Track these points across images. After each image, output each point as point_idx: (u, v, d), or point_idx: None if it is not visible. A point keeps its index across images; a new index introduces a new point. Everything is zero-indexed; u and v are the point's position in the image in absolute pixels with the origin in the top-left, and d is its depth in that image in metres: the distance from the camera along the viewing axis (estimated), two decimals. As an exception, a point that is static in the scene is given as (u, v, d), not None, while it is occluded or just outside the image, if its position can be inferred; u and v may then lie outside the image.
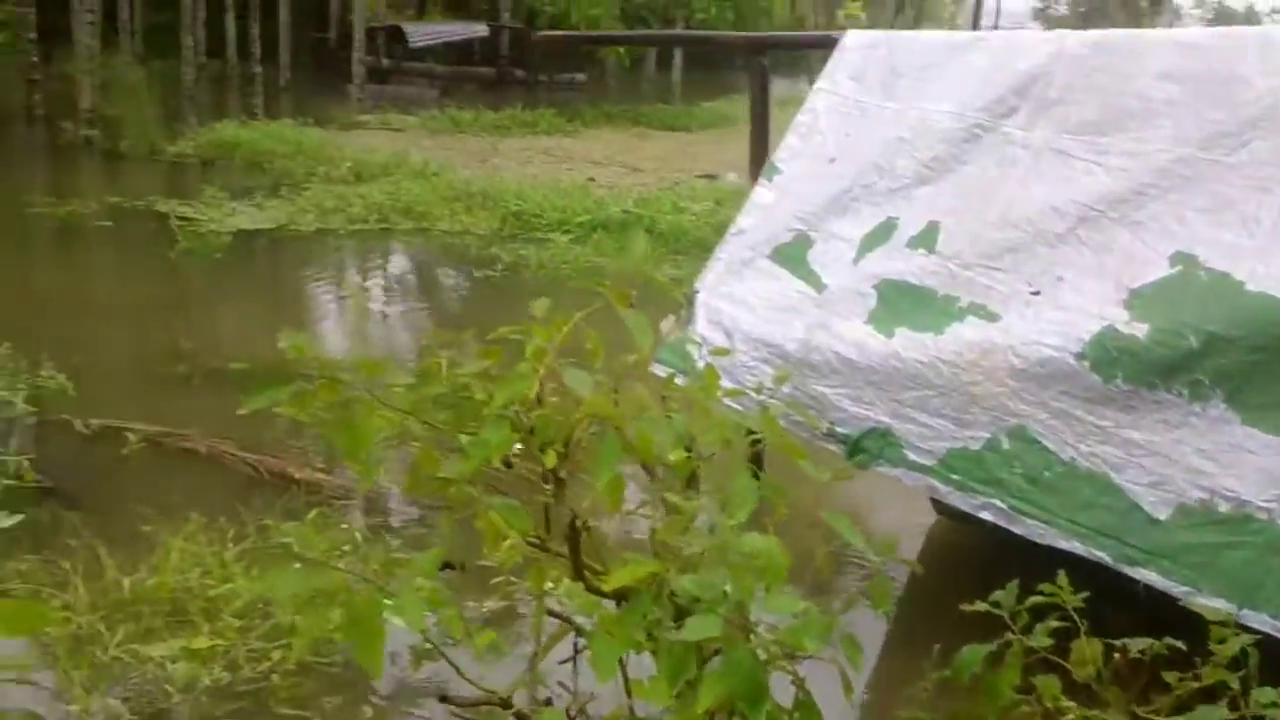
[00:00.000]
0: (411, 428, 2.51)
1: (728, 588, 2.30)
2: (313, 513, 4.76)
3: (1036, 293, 3.46)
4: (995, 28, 64.97)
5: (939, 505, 4.68)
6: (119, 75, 18.79)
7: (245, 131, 17.27)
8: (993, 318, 3.49)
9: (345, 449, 2.41)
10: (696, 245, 11.39)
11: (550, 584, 2.72)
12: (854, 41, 4.50)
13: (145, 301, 8.80)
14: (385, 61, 30.45)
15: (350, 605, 2.21)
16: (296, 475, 5.33)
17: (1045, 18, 72.48)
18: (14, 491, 5.07)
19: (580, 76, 32.42)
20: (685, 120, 25.08)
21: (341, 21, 33.10)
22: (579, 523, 2.54)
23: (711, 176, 16.79)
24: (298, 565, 2.57)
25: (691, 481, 2.75)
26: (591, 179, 15.49)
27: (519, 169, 16.32)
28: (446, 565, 2.58)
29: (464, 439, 2.46)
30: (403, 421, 2.49)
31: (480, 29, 33.65)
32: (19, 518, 4.76)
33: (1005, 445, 3.35)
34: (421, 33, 32.02)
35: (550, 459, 2.47)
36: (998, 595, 2.81)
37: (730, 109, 28.13)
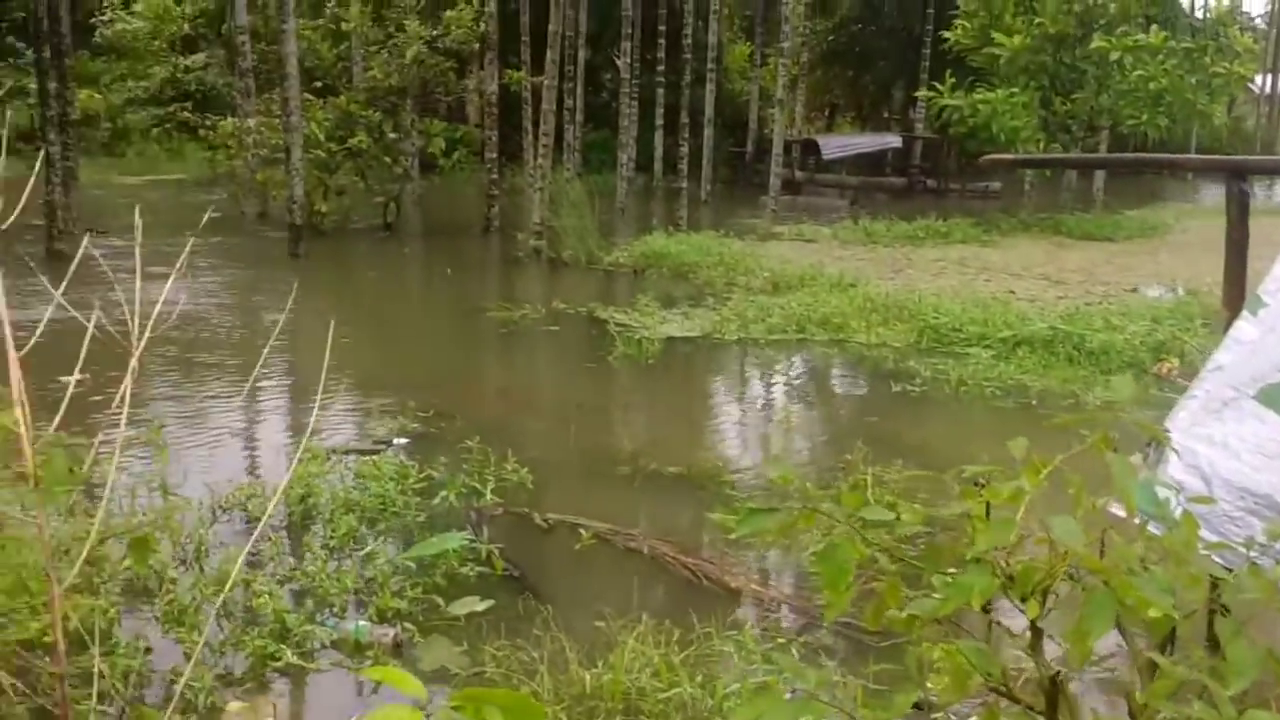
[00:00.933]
0: (881, 560, 2.57)
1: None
2: (749, 625, 4.89)
3: None
4: None
5: None
6: (563, 190, 20.64)
7: (672, 243, 18.38)
8: None
9: (826, 579, 2.50)
10: (1129, 366, 10.72)
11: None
12: (1357, 166, 4.12)
13: (589, 402, 9.51)
14: (798, 174, 31.41)
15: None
16: (733, 584, 5.52)
17: None
18: (485, 578, 5.62)
19: (995, 185, 31.48)
20: (1109, 229, 23.68)
21: (758, 137, 34.74)
22: (1061, 678, 2.47)
23: (1133, 290, 15.83)
24: (786, 696, 2.67)
25: (1170, 640, 2.60)
26: (1011, 291, 15.04)
27: (932, 280, 16.15)
28: (915, 705, 2.59)
29: (937, 579, 2.49)
30: (874, 554, 2.56)
31: (893, 140, 33.90)
32: (490, 603, 5.26)
33: None
34: (835, 145, 32.75)
35: (1033, 609, 2.43)
36: None
37: (1156, 217, 26.33)
